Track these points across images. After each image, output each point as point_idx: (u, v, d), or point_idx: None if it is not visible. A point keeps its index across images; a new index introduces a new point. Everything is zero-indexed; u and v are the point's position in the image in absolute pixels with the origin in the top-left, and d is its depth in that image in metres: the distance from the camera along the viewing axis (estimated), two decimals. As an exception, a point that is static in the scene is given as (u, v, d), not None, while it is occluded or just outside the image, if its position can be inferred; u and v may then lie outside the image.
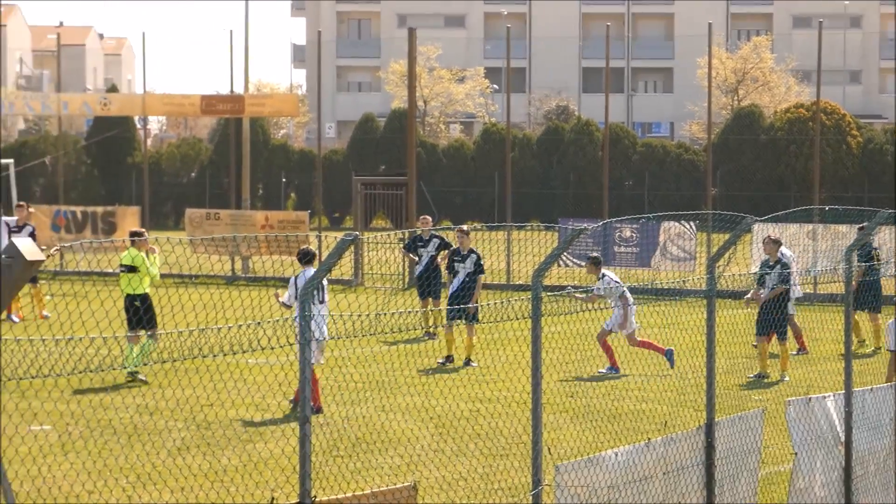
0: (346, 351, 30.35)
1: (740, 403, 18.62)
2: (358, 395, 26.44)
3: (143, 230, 33.59)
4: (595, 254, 33.18)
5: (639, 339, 29.31)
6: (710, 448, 14.35)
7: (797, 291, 34.05)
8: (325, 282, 24.50)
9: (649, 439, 13.87)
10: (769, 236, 31.89)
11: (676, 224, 47.35)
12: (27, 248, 8.77)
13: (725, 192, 66.23)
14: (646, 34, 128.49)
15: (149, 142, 78.79)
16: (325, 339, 23.26)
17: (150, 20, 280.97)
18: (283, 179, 78.34)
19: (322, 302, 25.12)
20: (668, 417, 20.56)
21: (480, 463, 19.94)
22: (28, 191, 66.68)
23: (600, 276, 29.85)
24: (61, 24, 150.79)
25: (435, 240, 36.91)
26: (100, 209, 55.45)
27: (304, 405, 11.75)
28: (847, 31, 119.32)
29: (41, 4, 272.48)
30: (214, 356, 17.01)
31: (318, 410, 24.22)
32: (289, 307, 25.57)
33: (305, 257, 26.72)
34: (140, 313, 28.74)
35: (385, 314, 14.55)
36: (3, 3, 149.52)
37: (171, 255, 40.92)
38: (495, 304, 15.09)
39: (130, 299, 29.42)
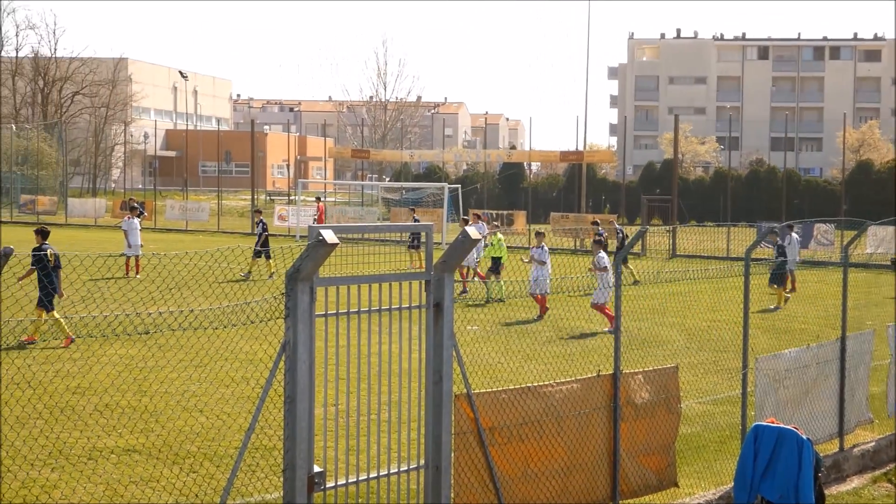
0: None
1: (860, 325, 16.59)
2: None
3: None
4: (540, 231, 29.59)
5: (602, 305, 24.19)
6: (843, 350, 13.79)
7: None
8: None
9: (808, 345, 13.16)
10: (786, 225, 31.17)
11: (824, 225, 48.71)
12: (327, 234, 7.56)
13: (851, 208, 64.42)
14: (808, 118, 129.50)
15: (531, 176, 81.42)
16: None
17: (536, 108, 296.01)
18: (603, 197, 76.14)
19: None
20: (820, 332, 18.77)
21: (712, 356, 18.74)
22: (466, 204, 64.76)
23: (541, 245, 26.44)
24: (487, 112, 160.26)
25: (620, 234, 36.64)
26: (504, 212, 59.14)
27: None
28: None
29: (481, 99, 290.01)
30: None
31: None
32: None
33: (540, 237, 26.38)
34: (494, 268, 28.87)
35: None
36: (454, 102, 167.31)
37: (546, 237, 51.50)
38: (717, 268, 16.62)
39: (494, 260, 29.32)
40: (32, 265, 19.24)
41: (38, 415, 13.44)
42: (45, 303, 19.54)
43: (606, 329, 23.07)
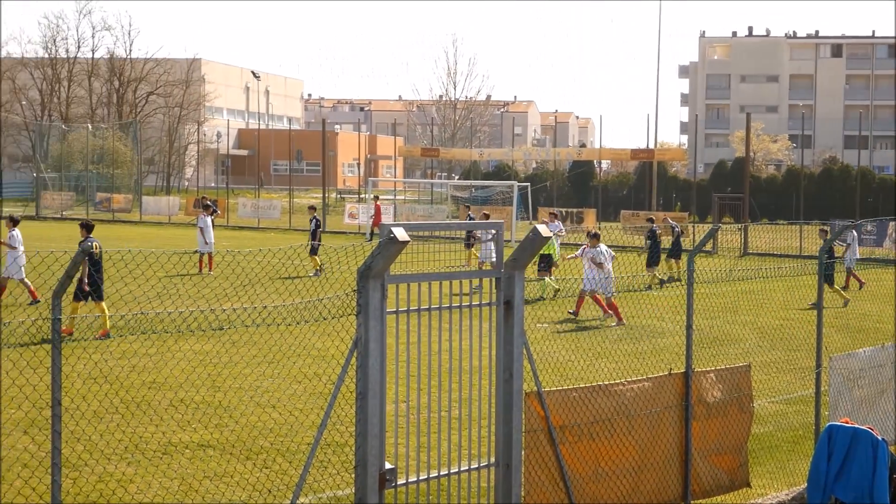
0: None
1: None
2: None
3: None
4: (594, 231, 27.10)
5: (606, 299, 24.29)
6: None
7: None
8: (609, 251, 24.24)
9: (883, 344, 13.05)
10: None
11: (900, 223, 47.33)
12: (399, 231, 7.49)
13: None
14: (882, 116, 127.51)
15: (601, 174, 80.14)
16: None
17: (606, 106, 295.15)
18: (673, 195, 75.61)
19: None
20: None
21: (784, 355, 18.48)
22: (536, 202, 65.73)
23: (597, 246, 24.77)
24: (556, 111, 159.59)
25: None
26: (574, 209, 60.24)
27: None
28: None
29: (551, 98, 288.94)
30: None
31: None
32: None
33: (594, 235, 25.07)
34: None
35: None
36: (523, 101, 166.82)
37: (612, 233, 47.27)
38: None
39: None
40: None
41: (114, 409, 13.58)
42: (82, 295, 20.23)
43: (613, 322, 23.33)
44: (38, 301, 24.07)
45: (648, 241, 35.10)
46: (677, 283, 33.13)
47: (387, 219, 56.41)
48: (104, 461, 11.70)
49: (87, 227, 21.53)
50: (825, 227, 27.06)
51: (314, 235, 35.49)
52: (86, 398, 13.29)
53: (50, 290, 7.46)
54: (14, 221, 25.10)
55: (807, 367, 13.36)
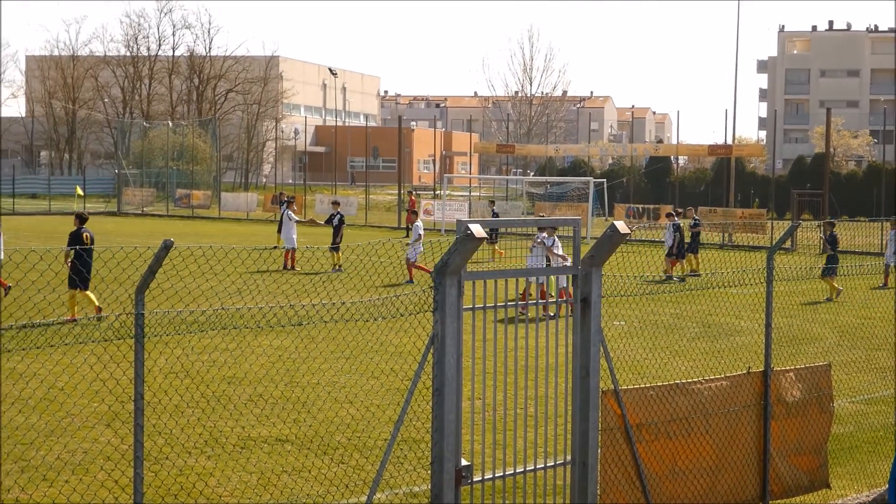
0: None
1: None
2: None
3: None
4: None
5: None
6: None
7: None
8: None
9: None
10: None
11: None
12: (475, 228, 7.43)
13: None
14: None
15: (678, 170, 79.30)
16: None
17: (683, 101, 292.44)
18: (752, 191, 75.41)
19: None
20: None
21: (865, 354, 18.05)
22: (612, 198, 66.30)
23: (550, 237, 24.43)
24: (633, 106, 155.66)
25: None
26: (651, 206, 59.80)
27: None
28: None
29: (628, 93, 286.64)
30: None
31: None
32: None
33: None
34: None
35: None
36: (600, 96, 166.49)
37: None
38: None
39: None
40: (70, 246, 21.53)
41: (195, 403, 13.79)
42: (77, 282, 21.06)
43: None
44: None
45: (677, 234, 35.12)
46: (696, 277, 33.57)
47: (462, 216, 56.53)
48: (185, 455, 11.87)
49: (80, 218, 22.75)
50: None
51: (337, 232, 35.18)
52: (167, 392, 13.50)
53: (133, 286, 7.46)
54: None
55: (888, 367, 13.12)
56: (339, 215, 35.94)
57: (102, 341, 16.73)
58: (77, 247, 20.73)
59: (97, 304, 21.64)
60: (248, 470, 11.49)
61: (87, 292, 21.70)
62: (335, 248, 33.06)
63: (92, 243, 21.98)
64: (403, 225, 56.03)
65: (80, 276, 21.08)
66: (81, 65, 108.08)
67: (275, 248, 35.82)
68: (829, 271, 29.02)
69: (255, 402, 14.31)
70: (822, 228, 32.11)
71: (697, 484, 9.63)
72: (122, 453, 11.59)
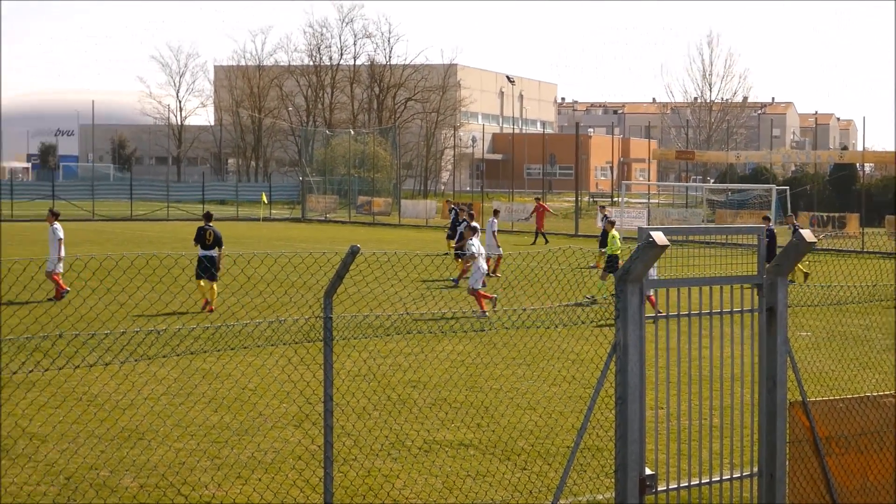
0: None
1: None
2: None
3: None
4: (474, 224, 29.52)
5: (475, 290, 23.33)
6: None
7: None
8: None
9: None
10: None
11: None
12: (658, 235, 7.51)
13: None
14: None
15: (864, 177, 72.39)
16: None
17: (869, 107, 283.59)
18: None
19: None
20: None
21: None
22: (795, 206, 63.36)
23: (469, 239, 25.61)
24: (816, 112, 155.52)
25: None
26: (836, 214, 56.33)
27: None
28: None
29: (811, 99, 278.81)
30: None
31: None
32: None
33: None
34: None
35: None
36: (781, 102, 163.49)
37: (877, 239, 46.99)
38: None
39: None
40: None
41: (381, 406, 14.05)
42: (201, 273, 23.51)
43: (476, 313, 22.27)
44: (67, 292, 24.61)
45: (768, 241, 33.68)
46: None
47: (640, 223, 56.09)
48: (372, 456, 12.06)
49: (53, 214, 25.68)
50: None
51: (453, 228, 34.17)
52: (355, 395, 13.83)
53: (321, 290, 7.74)
54: (55, 215, 25.88)
55: None
56: (462, 221, 33.51)
57: (292, 343, 17.20)
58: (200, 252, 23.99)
59: (213, 303, 23.48)
60: (432, 473, 11.64)
61: (213, 284, 23.64)
62: (459, 254, 30.15)
63: (214, 240, 24.02)
64: (582, 232, 56.06)
65: (202, 267, 23.27)
66: (267, 74, 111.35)
67: (446, 254, 35.68)
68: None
69: (439, 406, 14.48)
70: None
71: (890, 499, 9.41)
72: (312, 453, 11.93)
